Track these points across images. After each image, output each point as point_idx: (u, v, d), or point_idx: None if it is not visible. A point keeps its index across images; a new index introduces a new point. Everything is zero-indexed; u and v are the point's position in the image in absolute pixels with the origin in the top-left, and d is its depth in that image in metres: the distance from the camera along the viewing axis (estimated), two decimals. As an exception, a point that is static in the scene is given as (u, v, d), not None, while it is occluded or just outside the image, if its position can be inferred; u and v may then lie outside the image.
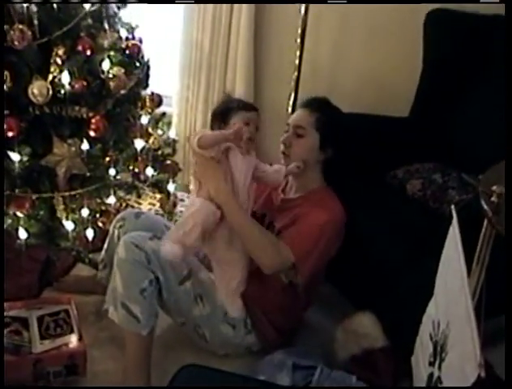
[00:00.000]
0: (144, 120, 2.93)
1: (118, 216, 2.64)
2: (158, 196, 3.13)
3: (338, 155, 2.54)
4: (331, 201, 2.50)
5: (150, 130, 3.00)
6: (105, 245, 2.66)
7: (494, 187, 1.67)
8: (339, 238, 2.48)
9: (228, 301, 2.44)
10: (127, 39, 2.86)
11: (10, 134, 2.42)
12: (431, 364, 1.69)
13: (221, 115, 2.45)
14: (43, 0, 2.46)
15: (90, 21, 2.66)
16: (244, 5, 3.50)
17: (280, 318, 2.52)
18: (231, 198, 2.33)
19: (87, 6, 2.58)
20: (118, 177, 2.77)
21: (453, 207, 1.75)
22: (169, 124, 3.20)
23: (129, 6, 2.91)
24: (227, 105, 2.46)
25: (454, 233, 1.65)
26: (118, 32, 2.82)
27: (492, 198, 1.66)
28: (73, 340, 2.38)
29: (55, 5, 2.52)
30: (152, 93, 3.00)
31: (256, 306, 2.47)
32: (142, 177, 2.88)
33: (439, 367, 1.61)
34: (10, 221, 2.55)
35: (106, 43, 2.72)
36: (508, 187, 1.65)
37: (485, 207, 1.68)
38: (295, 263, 2.35)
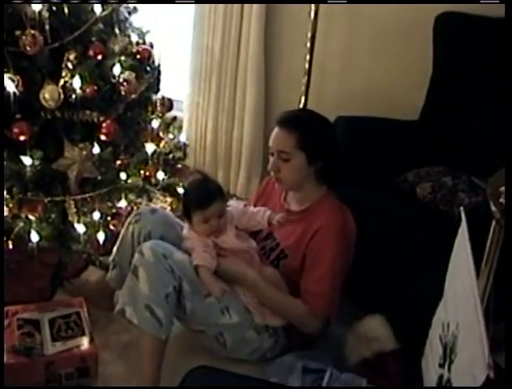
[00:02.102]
0: (155, 124, 2.93)
1: (134, 212, 2.66)
2: (169, 200, 3.13)
3: (334, 159, 2.55)
4: (336, 212, 2.52)
5: (161, 134, 3.01)
6: (117, 244, 2.65)
7: (502, 188, 1.66)
8: (351, 250, 2.52)
9: (257, 311, 2.45)
10: (138, 44, 2.87)
11: (22, 138, 2.43)
12: (441, 366, 1.69)
13: (185, 214, 2.55)
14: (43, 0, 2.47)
15: (101, 26, 2.66)
16: (254, 10, 3.51)
17: None
18: (257, 282, 2.43)
19: (98, 11, 2.59)
20: (129, 180, 2.77)
21: (462, 209, 1.75)
22: (180, 128, 3.22)
23: (140, 11, 2.93)
24: (187, 204, 2.54)
25: (463, 236, 1.65)
26: (129, 36, 2.83)
27: (501, 200, 1.65)
28: (84, 343, 2.38)
29: (66, 10, 2.54)
30: (163, 97, 3.00)
31: None
32: (153, 180, 2.89)
33: (449, 369, 1.61)
34: (22, 224, 2.57)
35: (117, 48, 2.73)
36: (508, 189, 1.65)
37: (493, 208, 1.67)
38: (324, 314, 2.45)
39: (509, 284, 1.50)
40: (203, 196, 2.48)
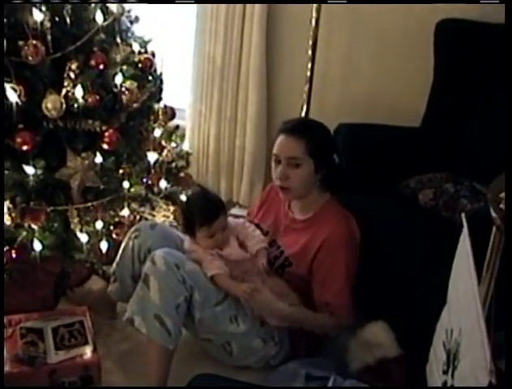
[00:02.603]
0: (157, 133, 2.93)
1: (133, 228, 2.65)
2: (172, 208, 3.14)
3: (336, 167, 2.59)
4: (340, 220, 2.55)
5: (163, 142, 3.01)
6: (117, 258, 2.64)
7: (502, 194, 1.66)
8: (357, 255, 2.55)
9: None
10: (140, 53, 2.88)
11: (24, 147, 2.43)
12: (445, 372, 1.69)
13: (187, 230, 2.54)
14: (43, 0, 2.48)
15: (103, 36, 2.67)
16: (255, 17, 3.51)
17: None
18: (284, 311, 2.44)
19: (99, 20, 2.60)
20: (132, 189, 2.77)
21: (463, 215, 1.75)
22: (183, 137, 3.22)
23: (142, 20, 2.94)
24: (190, 220, 2.51)
25: (464, 242, 1.66)
26: (131, 46, 2.83)
27: (501, 206, 1.65)
28: (87, 351, 2.39)
29: (68, 20, 2.55)
30: (165, 106, 3.02)
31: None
32: (155, 189, 2.89)
33: (452, 375, 1.61)
34: (25, 234, 2.57)
35: (119, 57, 2.73)
36: (508, 195, 1.65)
37: (494, 214, 1.67)
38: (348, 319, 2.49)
39: (510, 290, 1.50)
40: (208, 213, 2.46)
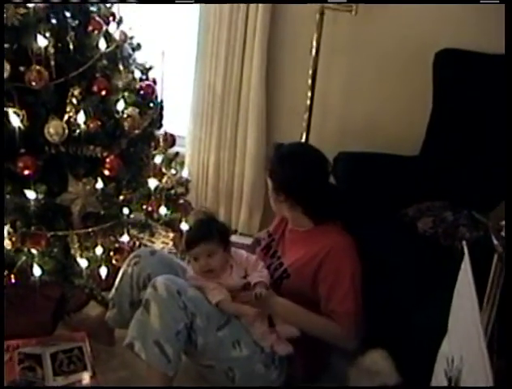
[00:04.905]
0: (158, 159, 2.95)
1: (133, 254, 2.65)
2: (171, 235, 3.14)
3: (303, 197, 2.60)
4: (342, 231, 2.61)
5: (163, 169, 3.03)
6: (116, 284, 2.64)
7: (503, 222, 1.67)
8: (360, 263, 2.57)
9: (264, 340, 2.45)
10: (141, 80, 2.90)
11: (26, 172, 2.45)
12: (446, 400, 1.68)
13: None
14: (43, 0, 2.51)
15: (105, 62, 2.70)
16: (256, 46, 3.53)
17: (314, 353, 2.54)
18: (287, 306, 2.49)
19: (102, 47, 2.63)
20: (132, 215, 2.78)
21: (464, 243, 1.76)
22: (182, 164, 3.24)
23: (143, 47, 2.96)
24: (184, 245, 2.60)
25: (465, 269, 1.66)
26: (133, 72, 2.86)
27: (502, 233, 1.66)
28: (86, 377, 2.38)
29: (71, 46, 2.58)
30: (166, 133, 3.03)
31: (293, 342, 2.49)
32: (155, 215, 2.89)
33: (453, 403, 1.61)
34: (24, 258, 2.57)
35: (121, 84, 2.76)
36: (508, 223, 1.65)
37: (495, 241, 1.68)
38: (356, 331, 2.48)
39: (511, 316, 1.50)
40: (191, 237, 2.57)
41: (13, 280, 2.58)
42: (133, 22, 2.92)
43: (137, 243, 2.91)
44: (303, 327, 2.47)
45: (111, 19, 2.76)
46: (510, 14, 2.18)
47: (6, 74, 2.40)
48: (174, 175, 3.10)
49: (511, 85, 2.03)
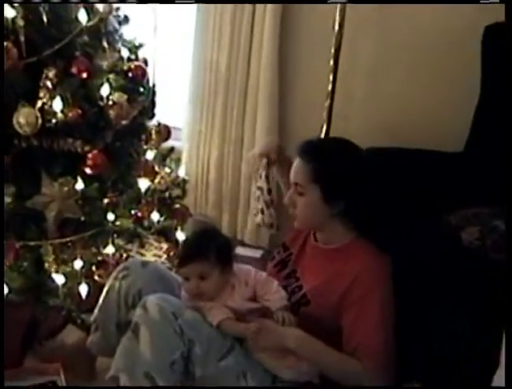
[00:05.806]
0: (149, 156, 2.96)
1: (121, 266, 2.62)
2: (164, 246, 3.13)
3: (359, 201, 2.53)
4: (375, 253, 2.51)
5: (156, 167, 3.02)
6: (100, 302, 2.62)
7: None
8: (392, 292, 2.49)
9: (272, 364, 2.41)
10: (130, 60, 2.89)
11: (-10, 171, 2.44)
12: None
13: None
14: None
15: (86, 38, 2.69)
16: (267, 19, 3.53)
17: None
18: (302, 335, 2.39)
19: (83, 20, 2.60)
20: (118, 222, 2.78)
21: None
22: (179, 161, 3.24)
23: (132, 21, 2.94)
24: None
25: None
26: (119, 51, 2.86)
27: None
28: (61, 419, 2.36)
29: (45, 18, 2.55)
30: (159, 124, 3.03)
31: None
32: (146, 223, 2.90)
33: None
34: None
35: (105, 64, 2.76)
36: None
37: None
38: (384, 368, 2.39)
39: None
40: (180, 254, 2.54)
41: (-26, 301, 2.57)
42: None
43: (124, 255, 2.90)
44: (323, 368, 2.41)
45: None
46: (510, 15, 2.20)
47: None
48: (169, 174, 3.10)
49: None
